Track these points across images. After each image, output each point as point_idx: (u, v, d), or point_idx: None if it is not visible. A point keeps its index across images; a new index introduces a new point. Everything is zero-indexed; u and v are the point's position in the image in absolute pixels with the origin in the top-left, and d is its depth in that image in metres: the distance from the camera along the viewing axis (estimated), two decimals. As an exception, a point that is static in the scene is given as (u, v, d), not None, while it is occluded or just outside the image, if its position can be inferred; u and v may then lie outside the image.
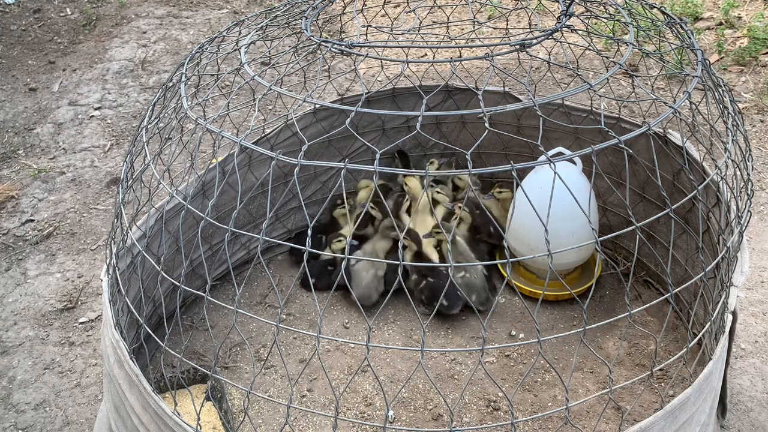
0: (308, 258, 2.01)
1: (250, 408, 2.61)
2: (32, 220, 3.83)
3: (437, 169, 3.41)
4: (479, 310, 2.96)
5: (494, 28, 5.19)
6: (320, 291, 3.17)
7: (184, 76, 2.31)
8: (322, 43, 2.13)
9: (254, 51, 4.90)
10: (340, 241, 3.15)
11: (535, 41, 2.07)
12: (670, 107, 1.93)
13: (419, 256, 3.03)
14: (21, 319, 3.18)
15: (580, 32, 2.44)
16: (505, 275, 2.63)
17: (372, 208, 3.22)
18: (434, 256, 3.04)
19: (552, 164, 1.67)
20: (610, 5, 2.55)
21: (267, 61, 4.09)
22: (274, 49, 2.71)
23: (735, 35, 5.10)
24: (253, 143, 2.43)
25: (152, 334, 2.08)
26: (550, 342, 2.85)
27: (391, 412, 2.61)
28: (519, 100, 3.26)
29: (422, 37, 3.78)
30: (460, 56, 2.78)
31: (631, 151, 1.93)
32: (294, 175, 1.77)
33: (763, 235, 3.47)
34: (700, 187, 2.10)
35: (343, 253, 3.12)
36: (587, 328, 1.69)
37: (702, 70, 2.18)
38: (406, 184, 3.32)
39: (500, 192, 3.30)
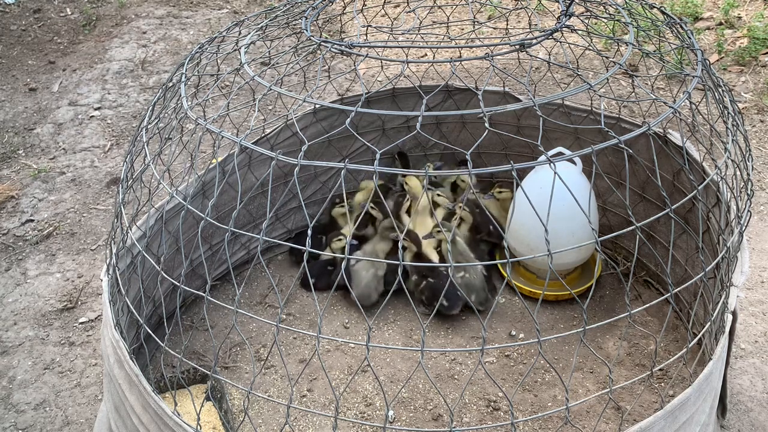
0: (308, 258, 2.01)
1: (250, 408, 2.61)
2: (32, 220, 3.83)
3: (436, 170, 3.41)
4: (479, 310, 2.96)
5: (494, 28, 5.19)
6: (320, 291, 3.17)
7: (184, 76, 2.31)
8: (322, 43, 2.13)
9: (254, 51, 4.90)
10: (339, 240, 3.15)
11: (535, 41, 2.07)
12: (670, 107, 1.93)
13: (419, 256, 3.03)
14: (21, 319, 3.18)
15: (580, 32, 2.44)
16: (505, 275, 2.63)
17: (372, 208, 3.23)
18: (434, 257, 3.04)
19: (552, 164, 1.67)
20: (610, 5, 2.55)
21: (267, 61, 4.09)
22: (274, 49, 2.71)
23: (735, 35, 5.10)
24: (253, 143, 2.43)
25: (152, 334, 2.08)
26: (550, 342, 2.85)
27: (391, 412, 2.61)
28: (519, 100, 3.26)
29: (422, 37, 3.78)
30: (460, 56, 2.79)
31: (631, 151, 1.93)
32: (294, 175, 1.77)
33: (763, 235, 3.47)
34: (700, 187, 2.10)
35: (343, 252, 3.12)
36: (587, 328, 1.69)
37: (702, 70, 2.18)
38: (406, 183, 3.32)
39: (500, 192, 3.30)
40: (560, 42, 2.42)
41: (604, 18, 2.53)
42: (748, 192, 2.23)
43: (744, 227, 2.20)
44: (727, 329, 2.09)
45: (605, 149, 1.94)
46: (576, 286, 3.07)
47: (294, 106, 3.03)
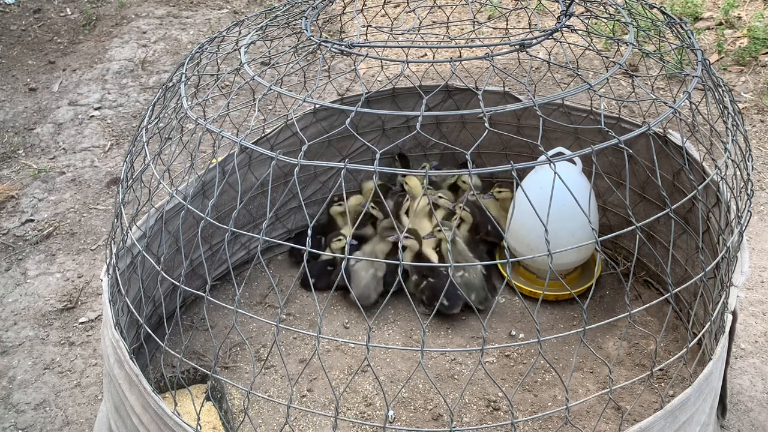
0: (308, 258, 2.01)
1: (250, 408, 2.61)
2: (32, 220, 3.83)
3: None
4: (479, 309, 2.96)
5: (494, 28, 5.19)
6: (320, 291, 3.17)
7: (184, 76, 2.31)
8: (322, 43, 2.13)
9: (254, 51, 4.90)
10: (339, 240, 3.15)
11: (535, 41, 2.07)
12: (670, 107, 1.93)
13: (419, 256, 3.03)
14: (21, 319, 3.18)
15: (580, 32, 2.44)
16: (505, 275, 2.63)
17: (372, 207, 3.23)
18: (433, 257, 3.04)
19: (552, 164, 1.67)
20: (610, 5, 2.55)
21: (267, 61, 4.09)
22: (274, 49, 2.71)
23: (735, 35, 5.10)
24: (253, 143, 2.43)
25: (152, 334, 2.08)
26: (550, 342, 2.85)
27: (391, 412, 2.61)
28: (519, 100, 3.26)
29: (422, 37, 3.78)
30: (460, 56, 2.78)
31: (631, 151, 1.93)
32: (294, 175, 1.77)
33: (763, 235, 3.47)
34: (700, 187, 2.10)
35: (342, 252, 3.12)
36: (587, 328, 1.69)
37: (702, 70, 2.18)
38: (406, 183, 3.32)
39: (500, 192, 3.30)
40: (560, 42, 2.42)
41: (604, 18, 2.53)
42: (748, 192, 2.23)
43: (744, 227, 2.20)
44: (727, 329, 2.09)
45: (605, 149, 1.94)
46: (576, 286, 3.07)
47: (294, 106, 3.03)
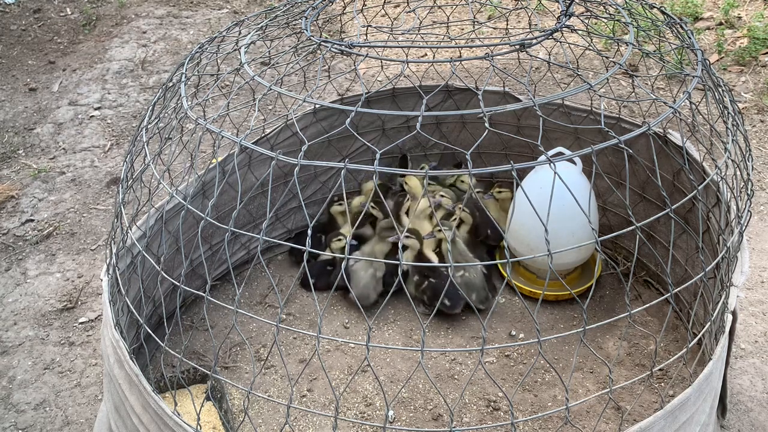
0: (308, 258, 2.01)
1: (250, 408, 2.61)
2: (32, 220, 3.83)
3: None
4: (479, 309, 2.96)
5: (494, 28, 5.19)
6: (320, 291, 3.17)
7: (184, 76, 2.31)
8: (322, 43, 2.13)
9: (254, 51, 4.90)
10: (339, 240, 3.15)
11: (535, 41, 2.07)
12: (670, 107, 1.93)
13: (419, 256, 3.03)
14: (21, 319, 3.18)
15: (580, 32, 2.44)
16: (505, 275, 2.62)
17: (372, 207, 3.22)
18: (434, 259, 3.04)
19: (552, 164, 1.67)
20: (610, 5, 2.55)
21: (267, 61, 4.09)
22: (274, 49, 2.71)
23: (735, 35, 5.10)
24: (253, 143, 2.43)
25: (152, 334, 2.08)
26: (550, 342, 2.85)
27: (391, 412, 2.61)
28: (519, 100, 3.26)
29: (422, 37, 3.78)
30: (460, 56, 2.78)
31: (631, 151, 1.93)
32: (294, 175, 1.77)
33: (763, 235, 3.47)
34: (700, 187, 2.10)
35: (342, 252, 3.12)
36: (587, 328, 1.69)
37: (702, 70, 2.18)
38: (406, 183, 3.32)
39: (500, 192, 3.30)
40: (560, 42, 2.42)
41: (604, 18, 2.53)
42: (748, 192, 2.23)
43: (744, 227, 2.20)
44: (727, 329, 2.09)
45: (605, 149, 1.94)
46: (576, 286, 3.07)
47: (294, 106, 3.03)
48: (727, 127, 2.23)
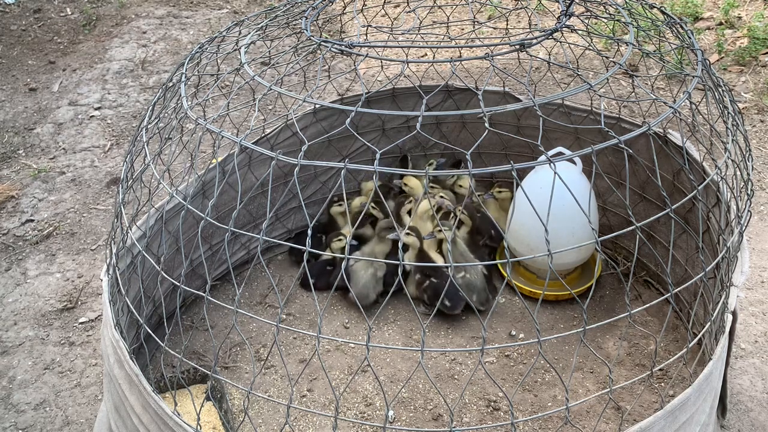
0: (308, 258, 2.01)
1: (250, 408, 2.61)
2: (32, 220, 3.83)
3: (435, 169, 3.41)
4: (479, 310, 2.96)
5: (494, 28, 5.19)
6: (320, 291, 3.17)
7: (184, 76, 2.31)
8: (322, 43, 2.13)
9: (254, 51, 4.90)
10: (340, 240, 3.15)
11: (535, 41, 2.07)
12: (670, 107, 1.93)
13: (422, 256, 3.03)
14: (21, 319, 3.18)
15: (580, 32, 2.44)
16: (505, 275, 2.62)
17: (372, 207, 3.23)
18: (438, 260, 3.04)
19: (552, 164, 1.67)
20: (610, 5, 2.55)
21: (267, 61, 4.09)
22: (274, 49, 2.71)
23: (735, 35, 5.10)
24: (253, 143, 2.43)
25: (152, 334, 2.08)
26: (550, 342, 2.85)
27: (391, 412, 2.61)
28: (519, 100, 3.26)
29: (422, 37, 3.78)
30: (460, 56, 2.78)
31: (631, 151, 1.93)
32: (294, 175, 1.77)
33: (763, 235, 3.47)
34: (700, 187, 2.10)
35: (342, 252, 3.12)
36: (587, 328, 1.69)
37: (702, 70, 2.18)
38: (405, 184, 3.32)
39: (500, 192, 3.30)
40: (560, 42, 2.42)
41: (604, 18, 2.53)
42: (748, 192, 2.23)
43: (744, 227, 2.20)
44: (727, 329, 2.09)
45: (605, 149, 1.94)
46: (576, 286, 3.07)
47: (294, 106, 3.03)
48: (727, 127, 2.23)
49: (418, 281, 3.01)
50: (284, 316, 3.04)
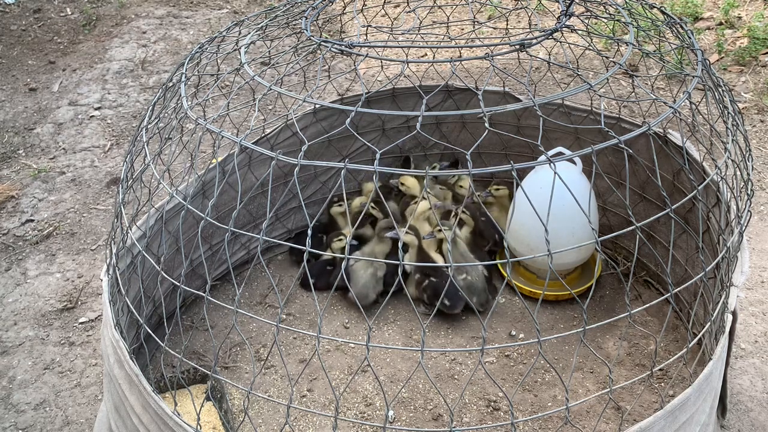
0: (308, 258, 2.01)
1: (250, 408, 2.61)
2: (32, 220, 3.83)
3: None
4: (479, 311, 2.96)
5: (494, 28, 5.19)
6: (320, 291, 3.17)
7: (184, 76, 2.31)
8: (322, 43, 2.13)
9: (254, 51, 4.90)
10: (340, 240, 3.15)
11: (535, 41, 2.07)
12: (670, 107, 1.93)
13: (422, 255, 3.03)
14: (21, 319, 3.18)
15: (580, 32, 2.44)
16: (505, 275, 2.63)
17: (372, 208, 3.23)
18: (439, 260, 3.04)
19: (552, 164, 1.67)
20: (610, 5, 2.55)
21: (267, 61, 4.09)
22: (274, 49, 2.71)
23: (735, 35, 5.10)
24: (253, 143, 2.43)
25: (152, 334, 2.08)
26: (550, 342, 2.85)
27: (391, 412, 2.61)
28: (519, 100, 3.26)
29: (422, 37, 3.78)
30: (460, 56, 2.78)
31: (631, 151, 1.93)
32: (294, 175, 1.77)
33: (763, 235, 3.47)
34: (700, 187, 2.10)
35: (343, 252, 3.12)
36: (587, 328, 1.69)
37: (702, 70, 2.18)
38: (402, 183, 3.32)
39: (497, 189, 3.30)
40: (560, 42, 2.42)
41: (604, 18, 2.53)
42: (748, 192, 2.23)
43: (744, 227, 2.20)
44: (727, 329, 2.09)
45: (605, 149, 1.94)
46: (576, 286, 3.07)
47: (294, 106, 3.03)
48: (727, 127, 2.23)
49: (417, 281, 3.01)
50: (284, 316, 3.04)
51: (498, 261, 2.44)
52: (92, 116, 4.80)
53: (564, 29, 2.22)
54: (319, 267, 3.15)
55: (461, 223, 3.18)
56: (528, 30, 3.95)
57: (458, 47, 2.84)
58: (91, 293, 3.31)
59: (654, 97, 2.15)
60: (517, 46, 2.05)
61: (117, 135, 4.61)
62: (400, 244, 1.75)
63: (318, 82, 2.12)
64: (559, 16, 2.31)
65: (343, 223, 3.31)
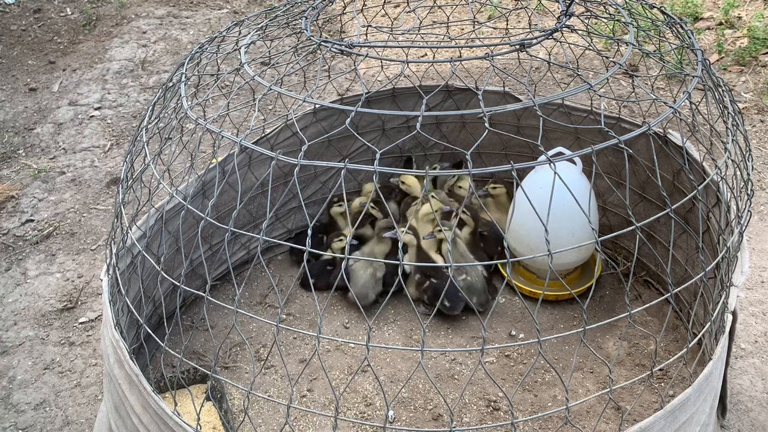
0: (308, 258, 2.01)
1: (250, 408, 2.61)
2: (32, 220, 3.83)
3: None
4: (479, 311, 2.96)
5: (494, 28, 5.19)
6: (320, 291, 3.17)
7: (184, 76, 2.31)
8: (322, 43, 2.13)
9: (254, 51, 4.90)
10: (340, 240, 3.15)
11: (535, 41, 2.07)
12: (670, 107, 1.93)
13: (423, 255, 3.03)
14: (21, 319, 3.18)
15: (580, 32, 2.44)
16: (505, 275, 2.63)
17: (372, 207, 3.23)
18: (439, 260, 3.04)
19: (552, 164, 1.67)
20: (610, 5, 2.55)
21: (267, 61, 4.09)
22: (274, 49, 2.71)
23: (735, 35, 5.10)
24: (253, 143, 2.43)
25: (152, 334, 2.08)
26: (550, 342, 2.85)
27: (391, 412, 2.61)
28: (519, 100, 3.26)
29: (422, 37, 3.78)
30: (460, 56, 2.78)
31: (631, 151, 1.93)
32: (294, 175, 1.77)
33: (763, 235, 3.47)
34: (700, 187, 2.10)
35: (343, 252, 3.12)
36: (587, 328, 1.69)
37: (702, 70, 2.18)
38: (403, 182, 3.32)
39: (494, 188, 3.30)
40: (560, 42, 2.42)
41: (604, 18, 2.53)
42: (748, 192, 2.23)
43: (744, 227, 2.20)
44: (727, 329, 2.09)
45: (605, 149, 1.94)
46: (576, 286, 3.07)
47: (294, 106, 3.03)
48: (727, 127, 2.23)
49: (418, 281, 3.01)
50: (284, 316, 3.04)
51: (498, 261, 2.44)
52: (92, 116, 4.80)
53: (564, 29, 2.22)
54: (319, 267, 3.15)
55: (461, 224, 3.18)
56: (528, 30, 3.95)
57: (458, 47, 2.84)
58: (91, 293, 3.31)
59: (654, 97, 2.15)
60: (517, 46, 2.05)
61: (117, 135, 4.61)
62: (399, 244, 1.75)
63: (318, 82, 2.12)
64: (559, 16, 2.31)
65: (343, 223, 3.31)
